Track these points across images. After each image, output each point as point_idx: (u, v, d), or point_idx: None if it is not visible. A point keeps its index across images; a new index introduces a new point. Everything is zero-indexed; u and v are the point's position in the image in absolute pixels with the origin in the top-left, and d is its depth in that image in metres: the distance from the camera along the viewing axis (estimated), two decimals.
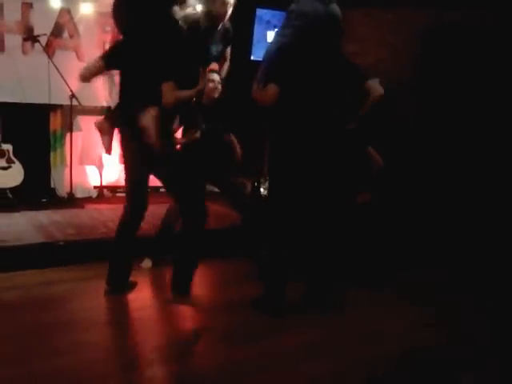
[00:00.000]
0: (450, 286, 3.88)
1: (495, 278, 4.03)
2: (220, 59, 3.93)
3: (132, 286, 3.45)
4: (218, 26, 3.82)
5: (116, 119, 3.32)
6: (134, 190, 3.31)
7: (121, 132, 3.30)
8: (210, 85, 3.66)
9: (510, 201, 5.02)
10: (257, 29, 6.17)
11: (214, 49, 3.86)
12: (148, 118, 2.99)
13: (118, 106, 3.37)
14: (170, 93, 3.05)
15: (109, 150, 3.48)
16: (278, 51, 2.89)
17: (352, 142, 3.99)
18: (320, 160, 3.14)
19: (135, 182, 3.31)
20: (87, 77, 3.29)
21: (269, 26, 6.13)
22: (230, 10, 3.74)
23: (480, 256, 4.37)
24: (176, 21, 3.42)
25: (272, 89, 2.95)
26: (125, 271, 3.38)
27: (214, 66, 3.75)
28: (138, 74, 3.10)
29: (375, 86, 3.06)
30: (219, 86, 3.69)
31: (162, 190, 5.81)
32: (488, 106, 5.54)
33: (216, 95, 3.68)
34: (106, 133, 3.39)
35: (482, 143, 5.44)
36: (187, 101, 3.32)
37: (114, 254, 3.37)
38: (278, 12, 5.97)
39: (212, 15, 3.71)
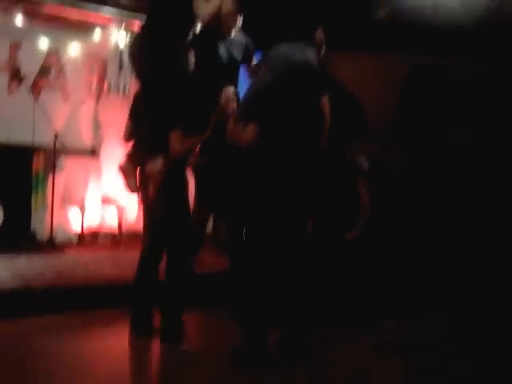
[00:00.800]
0: (437, 335, 3.80)
1: (483, 326, 3.97)
2: (235, 69, 3.89)
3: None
4: (226, 32, 3.78)
5: (137, 158, 3.29)
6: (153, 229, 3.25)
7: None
8: (223, 101, 3.67)
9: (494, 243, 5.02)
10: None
11: (225, 55, 3.81)
12: (153, 169, 2.98)
13: (135, 146, 3.35)
14: (177, 142, 3.05)
15: (135, 190, 3.43)
16: (256, 93, 2.93)
17: (339, 181, 3.99)
18: (302, 200, 3.11)
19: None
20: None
21: None
22: (237, 22, 3.72)
23: (469, 302, 4.31)
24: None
25: (251, 129, 2.97)
26: (148, 313, 3.27)
27: (230, 92, 3.75)
28: (147, 122, 3.08)
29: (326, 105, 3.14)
30: (232, 102, 3.68)
31: None
32: (471, 150, 5.62)
33: (230, 109, 3.66)
34: (129, 174, 3.35)
35: (466, 185, 5.48)
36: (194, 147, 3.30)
37: (135, 295, 3.27)
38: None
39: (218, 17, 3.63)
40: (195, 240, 4.00)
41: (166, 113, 3.05)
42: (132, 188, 3.46)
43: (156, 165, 2.99)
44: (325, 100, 3.17)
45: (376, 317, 3.86)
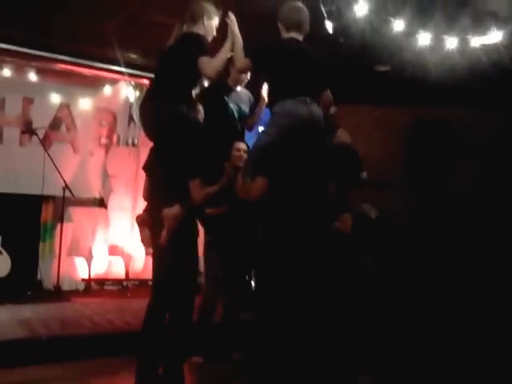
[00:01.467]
0: None
1: None
2: (245, 120, 3.94)
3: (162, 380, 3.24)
4: (234, 85, 3.84)
5: (153, 210, 3.31)
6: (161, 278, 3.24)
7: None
8: (236, 153, 3.71)
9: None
10: None
11: (234, 108, 3.84)
12: (169, 213, 2.98)
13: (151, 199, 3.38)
14: (197, 191, 3.04)
15: (149, 245, 3.44)
16: (264, 148, 2.98)
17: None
18: (314, 253, 3.11)
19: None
20: None
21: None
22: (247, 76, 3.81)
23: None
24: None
25: (259, 182, 3.00)
26: (154, 363, 3.21)
27: (242, 145, 3.80)
28: (163, 173, 3.12)
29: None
30: (245, 155, 3.72)
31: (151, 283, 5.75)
32: (472, 200, 5.66)
33: (241, 164, 3.70)
34: (145, 225, 3.37)
35: (468, 236, 5.48)
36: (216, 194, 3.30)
37: (141, 344, 3.22)
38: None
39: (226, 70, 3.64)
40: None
41: (183, 164, 3.07)
42: (145, 242, 3.46)
43: (172, 210, 2.98)
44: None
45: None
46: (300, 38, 3.08)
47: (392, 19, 4.28)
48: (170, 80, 2.97)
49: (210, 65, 2.89)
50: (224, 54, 2.96)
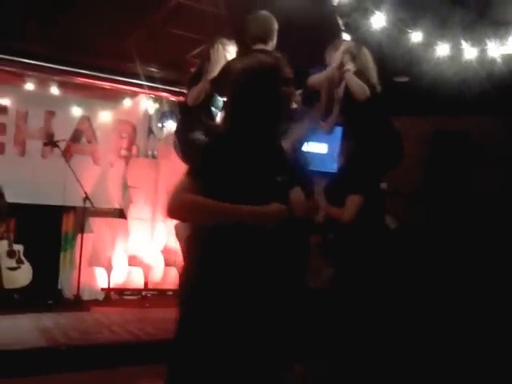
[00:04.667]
0: None
1: None
2: None
3: None
4: None
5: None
6: None
7: None
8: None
9: None
10: None
11: None
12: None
13: None
14: None
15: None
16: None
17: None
18: None
19: None
20: None
21: None
22: None
23: None
24: None
25: (354, 203, 3.00)
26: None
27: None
28: None
29: None
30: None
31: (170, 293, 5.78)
32: (494, 211, 5.58)
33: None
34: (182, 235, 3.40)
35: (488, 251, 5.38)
36: None
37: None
38: None
39: None
40: None
41: None
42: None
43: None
44: None
45: None
46: (267, 48, 2.93)
47: (410, 30, 4.28)
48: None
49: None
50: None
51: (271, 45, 2.97)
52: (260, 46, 2.93)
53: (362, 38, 4.26)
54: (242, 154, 1.86)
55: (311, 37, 3.10)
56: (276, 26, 2.99)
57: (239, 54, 3.22)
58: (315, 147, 5.88)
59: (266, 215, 1.78)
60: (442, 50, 4.35)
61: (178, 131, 3.47)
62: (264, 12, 3.03)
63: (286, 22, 3.59)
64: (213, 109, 3.43)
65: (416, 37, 4.26)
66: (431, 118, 6.12)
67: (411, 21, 4.24)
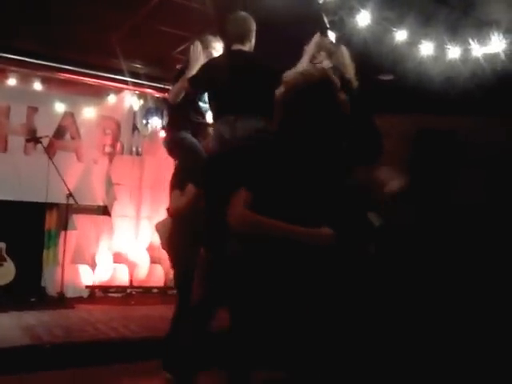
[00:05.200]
0: None
1: None
2: None
3: None
4: None
5: None
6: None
7: None
8: None
9: None
10: None
11: None
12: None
13: None
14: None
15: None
16: None
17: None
18: None
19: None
20: None
21: None
22: None
23: None
24: None
25: None
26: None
27: None
28: None
29: None
30: None
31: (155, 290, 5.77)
32: (477, 211, 5.65)
33: None
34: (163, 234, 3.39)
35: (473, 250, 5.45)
36: None
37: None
38: None
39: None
40: None
41: None
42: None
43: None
44: None
45: None
46: (244, 48, 2.96)
47: (394, 28, 4.32)
48: None
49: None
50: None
51: (249, 45, 2.99)
52: (237, 47, 2.96)
53: (347, 36, 4.30)
54: (301, 164, 1.96)
55: (296, 35, 3.10)
56: (254, 26, 3.02)
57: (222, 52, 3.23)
58: None
59: (320, 238, 1.92)
60: (427, 48, 4.40)
61: (165, 129, 3.49)
62: (242, 13, 3.05)
63: (270, 20, 3.59)
64: (201, 104, 3.41)
65: (401, 35, 4.30)
66: (415, 116, 6.17)
67: (396, 19, 4.29)
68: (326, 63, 3.09)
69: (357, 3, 4.29)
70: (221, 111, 2.90)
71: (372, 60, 4.78)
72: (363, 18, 4.16)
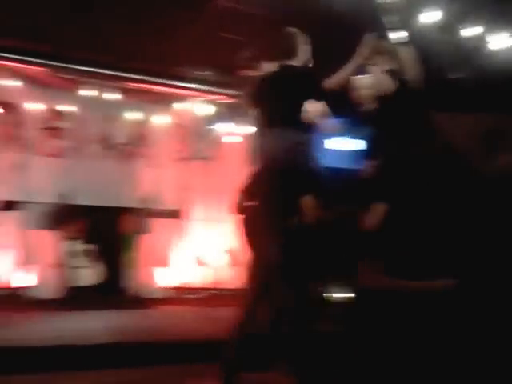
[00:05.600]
0: None
1: None
2: None
3: None
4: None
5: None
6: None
7: None
8: None
9: None
10: None
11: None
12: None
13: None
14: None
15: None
16: None
17: None
18: None
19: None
20: None
21: None
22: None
23: None
24: None
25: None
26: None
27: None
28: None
29: None
30: None
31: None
32: None
33: None
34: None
35: None
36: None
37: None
38: None
39: None
40: None
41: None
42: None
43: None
44: None
45: None
46: (293, 63, 3.06)
47: (464, 25, 4.20)
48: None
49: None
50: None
51: (297, 60, 3.09)
52: (286, 62, 3.08)
53: (409, 36, 4.21)
54: None
55: (354, 37, 3.09)
56: (303, 41, 3.11)
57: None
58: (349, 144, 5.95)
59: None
60: (496, 44, 4.25)
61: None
62: (291, 29, 3.15)
63: (329, 22, 3.60)
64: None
65: (470, 32, 4.19)
66: (486, 115, 5.94)
67: (464, 16, 4.17)
68: (383, 66, 3.07)
69: (420, 1, 4.19)
70: (266, 125, 3.05)
71: (438, 58, 4.67)
72: (429, 16, 4.07)
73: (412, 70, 3.03)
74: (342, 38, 3.21)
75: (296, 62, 3.09)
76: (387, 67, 3.05)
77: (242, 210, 3.53)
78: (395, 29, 4.09)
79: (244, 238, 3.44)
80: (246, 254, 3.41)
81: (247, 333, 3.25)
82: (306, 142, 3.00)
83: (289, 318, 3.19)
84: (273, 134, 3.01)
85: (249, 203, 3.45)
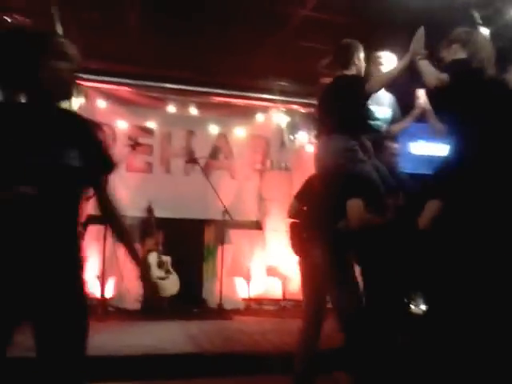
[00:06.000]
0: None
1: None
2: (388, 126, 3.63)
3: None
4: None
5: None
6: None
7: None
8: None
9: None
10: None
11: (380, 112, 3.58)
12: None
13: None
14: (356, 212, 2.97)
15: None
16: None
17: None
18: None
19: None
20: None
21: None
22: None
23: None
24: None
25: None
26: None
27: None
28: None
29: None
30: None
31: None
32: None
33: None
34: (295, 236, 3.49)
35: None
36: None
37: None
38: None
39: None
40: None
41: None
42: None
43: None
44: None
45: None
46: (348, 73, 3.16)
47: None
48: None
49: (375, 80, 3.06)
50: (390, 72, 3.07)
51: (352, 69, 3.19)
52: (340, 72, 3.20)
53: (502, 29, 3.93)
54: None
55: (443, 34, 2.94)
56: (357, 50, 3.20)
57: None
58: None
59: None
60: None
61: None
62: (348, 40, 3.25)
63: (416, 21, 3.45)
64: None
65: None
66: None
67: None
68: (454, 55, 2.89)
69: None
70: (319, 132, 3.27)
71: None
72: None
73: (486, 54, 2.81)
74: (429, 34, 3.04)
75: (350, 72, 3.17)
76: (463, 56, 2.85)
77: (294, 215, 3.53)
78: (487, 23, 3.87)
79: (293, 244, 3.42)
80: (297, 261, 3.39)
81: (315, 347, 3.19)
82: (354, 148, 3.05)
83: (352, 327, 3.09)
84: (323, 142, 3.16)
85: (301, 208, 3.47)
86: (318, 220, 3.19)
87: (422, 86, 3.09)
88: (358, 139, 3.11)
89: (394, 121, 3.62)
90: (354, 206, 2.97)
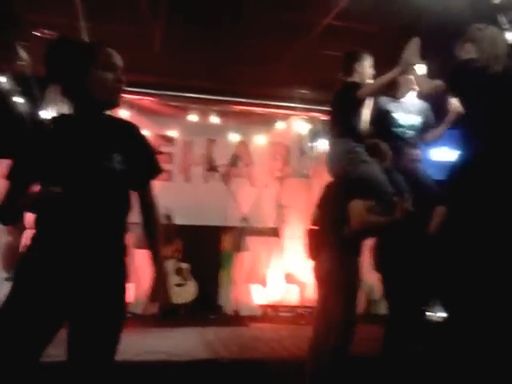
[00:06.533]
0: None
1: None
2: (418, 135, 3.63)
3: None
4: (395, 93, 3.62)
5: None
6: None
7: None
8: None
9: None
10: None
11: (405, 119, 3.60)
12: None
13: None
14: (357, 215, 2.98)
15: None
16: None
17: None
18: None
19: None
20: None
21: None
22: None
23: None
24: None
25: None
26: None
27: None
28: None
29: None
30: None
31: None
32: None
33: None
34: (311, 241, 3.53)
35: None
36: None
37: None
38: None
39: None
40: None
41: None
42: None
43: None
44: None
45: None
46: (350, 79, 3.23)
47: None
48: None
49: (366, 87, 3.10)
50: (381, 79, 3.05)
51: (354, 77, 3.26)
52: (345, 79, 3.28)
53: None
54: None
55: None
56: (360, 59, 3.26)
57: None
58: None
59: None
60: None
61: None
62: (353, 49, 3.35)
63: (440, 26, 3.44)
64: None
65: None
66: None
67: None
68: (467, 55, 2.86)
69: None
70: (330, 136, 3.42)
71: None
72: None
73: (491, 49, 2.76)
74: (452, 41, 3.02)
75: (352, 79, 3.23)
76: (473, 56, 2.82)
77: (315, 222, 3.53)
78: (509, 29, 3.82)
79: (308, 249, 3.43)
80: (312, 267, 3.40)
81: (325, 355, 3.16)
82: (355, 150, 3.10)
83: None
84: (329, 146, 3.38)
85: (320, 215, 3.47)
86: (326, 224, 3.22)
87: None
88: (360, 142, 3.14)
89: (427, 128, 3.62)
90: (355, 208, 2.98)
